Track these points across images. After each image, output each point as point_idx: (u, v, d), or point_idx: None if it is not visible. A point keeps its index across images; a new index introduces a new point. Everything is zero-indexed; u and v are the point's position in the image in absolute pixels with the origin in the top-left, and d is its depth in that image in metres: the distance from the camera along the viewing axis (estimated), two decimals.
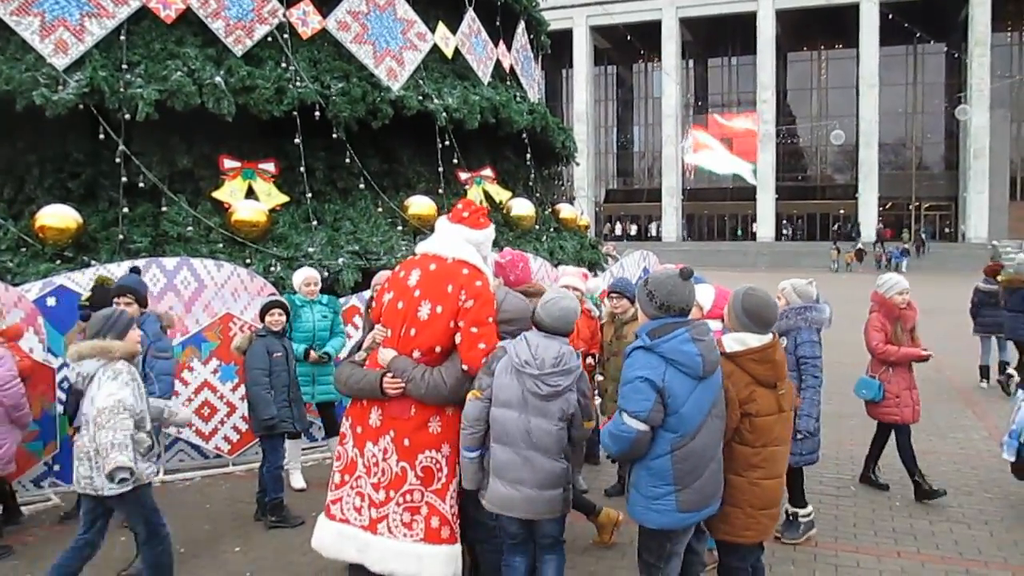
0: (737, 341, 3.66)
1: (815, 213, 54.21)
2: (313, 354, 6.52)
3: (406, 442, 3.82)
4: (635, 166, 62.85)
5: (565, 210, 12.54)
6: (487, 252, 4.12)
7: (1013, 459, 5.88)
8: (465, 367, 3.79)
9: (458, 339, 3.81)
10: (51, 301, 6.35)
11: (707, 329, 3.53)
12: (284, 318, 5.93)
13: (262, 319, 5.86)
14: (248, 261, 7.86)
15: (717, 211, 57.01)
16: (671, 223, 53.25)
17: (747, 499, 3.62)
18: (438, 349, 3.84)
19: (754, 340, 3.64)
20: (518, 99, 11.23)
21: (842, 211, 52.11)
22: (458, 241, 3.95)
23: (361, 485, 3.92)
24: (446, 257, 3.90)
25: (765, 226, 50.19)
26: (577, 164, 15.30)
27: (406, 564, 3.81)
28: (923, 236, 46.98)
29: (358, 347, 4.28)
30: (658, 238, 51.68)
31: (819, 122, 53.94)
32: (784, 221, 53.49)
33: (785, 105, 55.45)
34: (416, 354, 3.82)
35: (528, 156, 11.54)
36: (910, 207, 52.44)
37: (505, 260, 4.59)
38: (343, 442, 4.05)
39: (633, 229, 54.68)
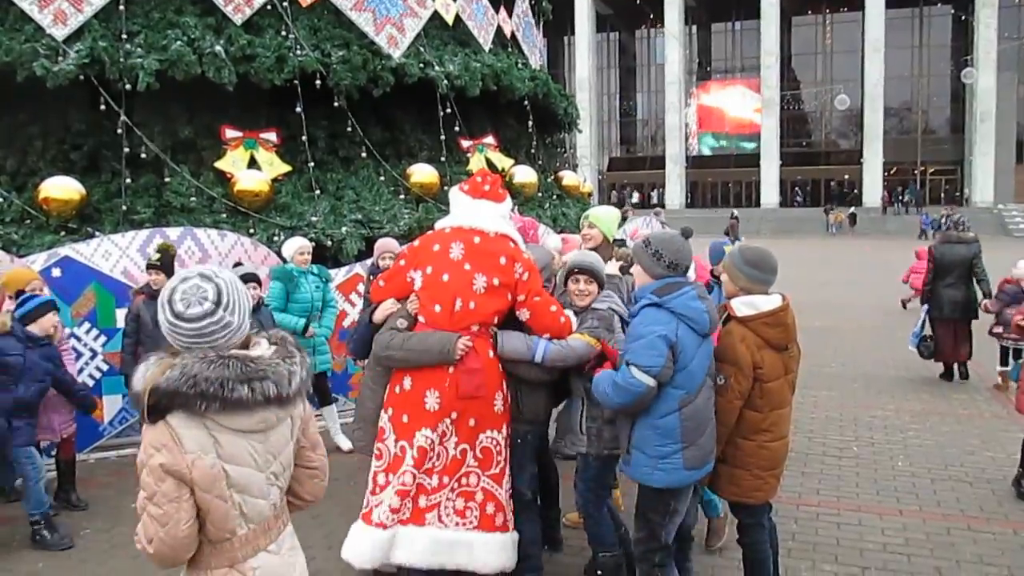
0: (748, 305, 3.60)
1: (820, 179, 53.95)
2: (312, 329, 6.46)
3: (471, 422, 3.73)
4: (638, 134, 62.52)
5: (568, 177, 12.48)
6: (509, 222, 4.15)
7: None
8: (548, 335, 3.87)
9: (526, 314, 3.83)
10: (56, 272, 6.37)
11: (705, 291, 3.60)
12: (259, 291, 5.97)
13: None
14: (251, 231, 7.87)
15: (721, 178, 56.78)
16: (675, 190, 53.07)
17: (755, 461, 3.65)
18: (496, 320, 3.86)
19: (765, 303, 3.59)
20: (520, 66, 11.14)
21: (847, 176, 51.87)
22: (493, 215, 3.92)
23: (406, 480, 3.67)
24: (488, 231, 3.86)
25: (769, 192, 49.97)
26: (579, 131, 15.20)
27: (455, 554, 3.67)
28: (907, 198, 46.37)
29: (369, 318, 4.13)
30: (661, 205, 51.52)
31: (823, 87, 53.51)
32: (796, 188, 53.23)
33: (789, 70, 55.00)
34: (475, 327, 3.75)
35: (530, 123, 11.48)
36: (915, 171, 52.19)
37: (517, 226, 4.59)
38: (382, 438, 3.80)
39: (636, 197, 54.40)
